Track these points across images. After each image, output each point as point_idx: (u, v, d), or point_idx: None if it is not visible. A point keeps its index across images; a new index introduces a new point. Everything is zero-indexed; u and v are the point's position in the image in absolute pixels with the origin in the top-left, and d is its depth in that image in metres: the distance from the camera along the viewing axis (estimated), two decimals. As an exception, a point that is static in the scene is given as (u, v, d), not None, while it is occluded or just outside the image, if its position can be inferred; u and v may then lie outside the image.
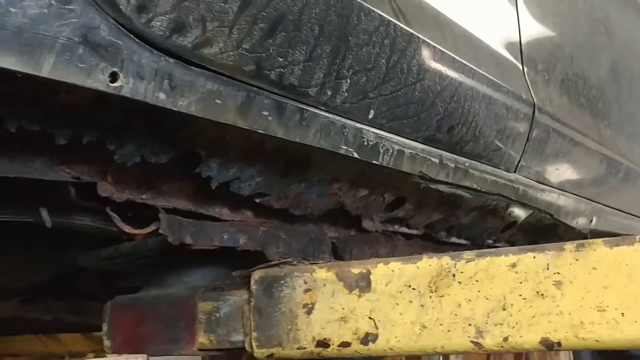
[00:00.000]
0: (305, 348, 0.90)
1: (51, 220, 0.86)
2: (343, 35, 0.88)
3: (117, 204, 0.90)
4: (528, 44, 1.38)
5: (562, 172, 1.51)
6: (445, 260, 0.83)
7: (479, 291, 0.81)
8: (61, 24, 0.60)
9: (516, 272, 0.80)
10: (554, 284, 0.76)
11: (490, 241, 1.60)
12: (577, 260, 0.76)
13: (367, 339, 0.86)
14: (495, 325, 0.79)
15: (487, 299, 0.80)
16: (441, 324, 0.82)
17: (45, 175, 0.79)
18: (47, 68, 0.60)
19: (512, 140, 1.31)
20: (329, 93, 0.90)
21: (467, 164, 1.20)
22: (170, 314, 1.02)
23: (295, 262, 0.96)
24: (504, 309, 0.79)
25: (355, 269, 0.89)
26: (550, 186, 1.48)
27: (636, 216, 1.96)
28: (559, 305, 0.75)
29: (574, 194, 1.57)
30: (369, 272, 0.88)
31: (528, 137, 1.35)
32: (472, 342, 0.80)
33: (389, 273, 0.87)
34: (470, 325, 0.80)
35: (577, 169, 1.61)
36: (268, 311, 0.93)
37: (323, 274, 0.90)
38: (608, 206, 1.77)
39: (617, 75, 1.88)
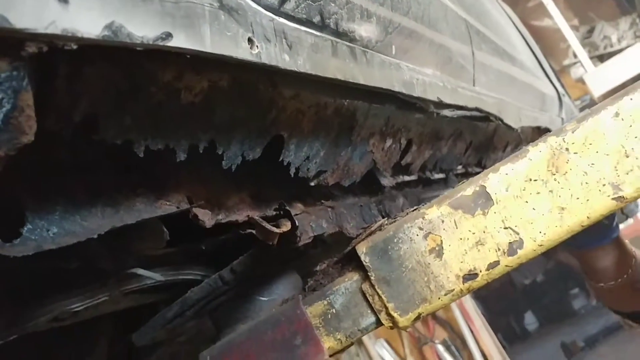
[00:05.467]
0: (453, 290, 0.85)
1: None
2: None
3: (202, 231, 0.78)
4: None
5: (496, 80, 1.61)
6: (552, 140, 0.84)
7: (597, 151, 0.82)
8: (200, -13, 0.50)
9: (622, 119, 0.83)
10: (660, 113, 0.81)
11: (459, 167, 1.65)
12: (669, 83, 0.81)
13: (514, 248, 0.84)
14: (627, 174, 0.82)
15: (607, 154, 0.82)
16: (577, 198, 0.83)
17: (154, 212, 0.66)
18: (208, 41, 0.50)
19: (465, 55, 1.37)
20: (365, 35, 0.86)
21: (455, 84, 1.22)
22: (279, 337, 0.90)
23: (387, 223, 0.90)
24: (627, 156, 0.82)
25: (467, 191, 0.86)
26: (494, 94, 1.56)
27: (534, 108, 2.15)
28: (673, 128, 0.80)
29: (510, 99, 1.68)
30: (483, 187, 0.86)
31: (472, 51, 1.41)
32: (614, 199, 0.82)
33: (504, 178, 0.85)
34: (604, 185, 0.82)
35: (501, 77, 1.72)
36: (395, 275, 0.87)
37: (436, 211, 0.86)
38: (521, 106, 1.92)
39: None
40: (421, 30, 1.08)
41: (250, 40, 0.56)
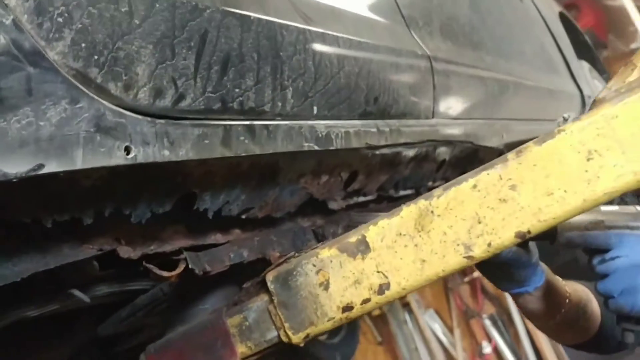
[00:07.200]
0: (334, 317, 1.05)
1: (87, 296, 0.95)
2: (275, 53, 1.03)
3: (134, 261, 1.01)
4: (405, 7, 1.58)
5: (468, 103, 1.73)
6: (421, 203, 1.00)
7: (456, 216, 0.98)
8: (78, 121, 0.71)
9: (479, 191, 0.98)
10: (510, 189, 0.95)
11: (430, 183, 1.80)
12: (520, 164, 0.94)
13: (382, 289, 1.02)
14: (478, 237, 0.97)
15: (464, 219, 0.98)
16: (436, 253, 0.99)
17: (77, 256, 0.89)
18: (79, 161, 0.71)
19: (423, 91, 1.51)
20: (280, 104, 1.04)
21: (397, 124, 1.38)
22: (205, 339, 1.13)
23: (296, 255, 1.10)
24: (479, 222, 0.97)
25: (352, 238, 1.04)
26: (463, 119, 1.69)
27: (533, 119, 2.23)
28: (518, 202, 0.94)
29: (483, 118, 1.80)
30: (364, 237, 1.03)
31: (434, 85, 1.55)
32: (464, 257, 0.98)
33: (381, 230, 1.03)
34: (458, 245, 0.98)
35: (478, 97, 1.84)
36: (292, 301, 1.07)
37: (327, 252, 1.05)
38: (511, 119, 2.02)
39: (476, 6, 2.13)
40: (354, 85, 1.24)
41: (127, 148, 0.77)
